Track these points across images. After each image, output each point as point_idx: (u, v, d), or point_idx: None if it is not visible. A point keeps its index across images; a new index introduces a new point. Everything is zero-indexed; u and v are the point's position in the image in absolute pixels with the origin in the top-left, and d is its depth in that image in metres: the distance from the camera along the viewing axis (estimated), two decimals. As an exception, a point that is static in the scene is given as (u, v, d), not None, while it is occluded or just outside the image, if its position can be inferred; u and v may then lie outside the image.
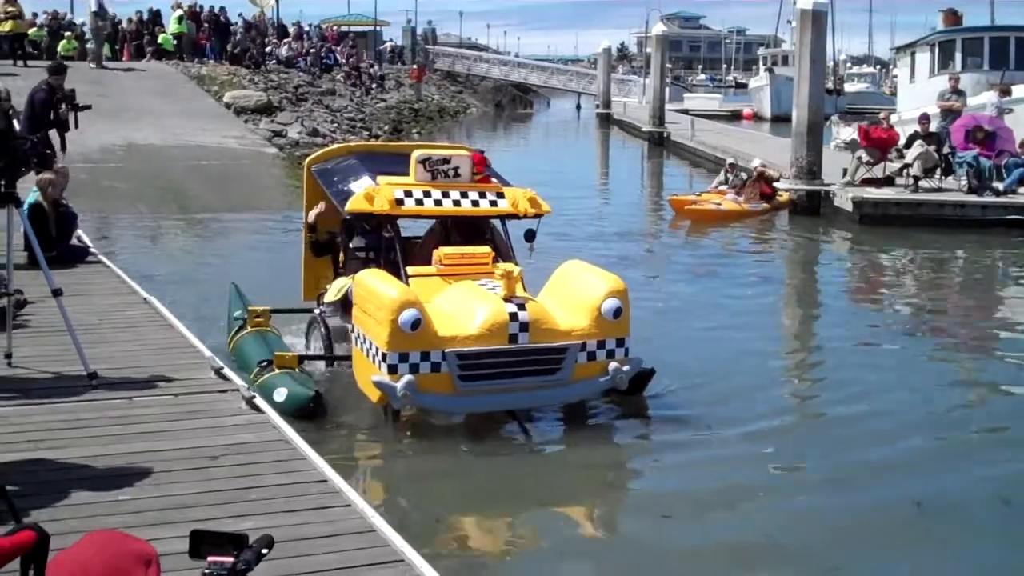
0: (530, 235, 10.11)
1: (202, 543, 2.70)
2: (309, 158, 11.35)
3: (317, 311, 10.32)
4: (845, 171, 22.99)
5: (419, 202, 9.56)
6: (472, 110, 64.01)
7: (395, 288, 8.61)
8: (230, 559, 2.66)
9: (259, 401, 7.83)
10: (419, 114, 50.25)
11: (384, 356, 8.38)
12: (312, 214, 10.45)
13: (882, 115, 24.74)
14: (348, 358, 9.60)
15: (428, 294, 8.95)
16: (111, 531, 2.78)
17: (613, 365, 8.95)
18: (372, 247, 10.04)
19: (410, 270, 9.38)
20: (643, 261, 17.65)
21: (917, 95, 28.84)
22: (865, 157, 22.76)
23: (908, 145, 22.50)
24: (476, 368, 8.57)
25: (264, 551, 2.72)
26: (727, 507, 7.63)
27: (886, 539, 7.20)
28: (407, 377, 8.30)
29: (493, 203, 9.91)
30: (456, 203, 9.74)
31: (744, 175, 23.81)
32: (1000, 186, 21.49)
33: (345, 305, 9.70)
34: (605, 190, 30.69)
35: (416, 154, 9.85)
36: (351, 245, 10.22)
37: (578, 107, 72.59)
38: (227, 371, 8.49)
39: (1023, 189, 21.61)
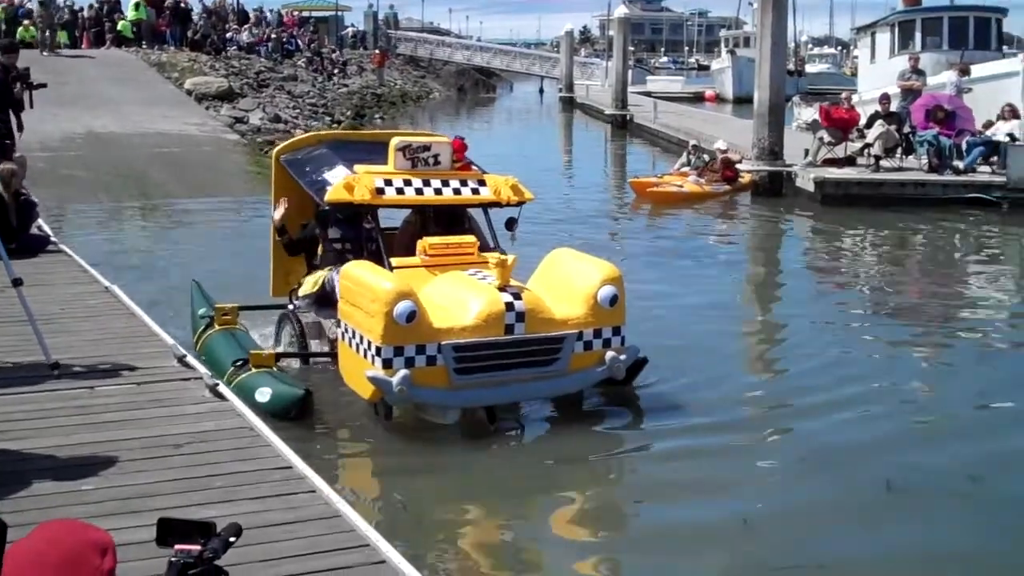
0: (511, 223, 9.91)
1: (169, 531, 2.69)
2: (277, 148, 11.00)
3: (290, 307, 10.07)
4: (807, 152, 23.12)
5: (399, 191, 9.36)
6: (435, 95, 63.89)
7: (388, 279, 8.40)
8: (197, 547, 2.65)
9: (222, 389, 7.79)
10: (382, 99, 50.11)
11: (378, 350, 8.11)
12: (277, 215, 9.99)
13: (843, 95, 24.86)
14: (328, 355, 9.46)
15: (416, 286, 8.61)
16: (66, 520, 2.76)
17: (610, 354, 8.80)
18: (348, 238, 9.75)
19: (394, 261, 9.15)
20: (605, 244, 17.65)
21: (878, 75, 28.98)
22: (827, 137, 22.88)
23: (869, 125, 22.66)
24: (472, 361, 8.34)
25: (232, 539, 2.71)
26: (702, 493, 7.67)
27: (857, 519, 7.23)
28: (403, 371, 8.06)
29: (475, 191, 9.72)
30: (437, 192, 9.56)
31: (707, 157, 23.91)
32: (960, 165, 21.70)
33: (320, 300, 9.51)
34: (569, 173, 30.70)
35: (395, 142, 9.63)
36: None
37: (541, 91, 72.56)
38: (190, 359, 8.44)
39: (983, 168, 21.82)
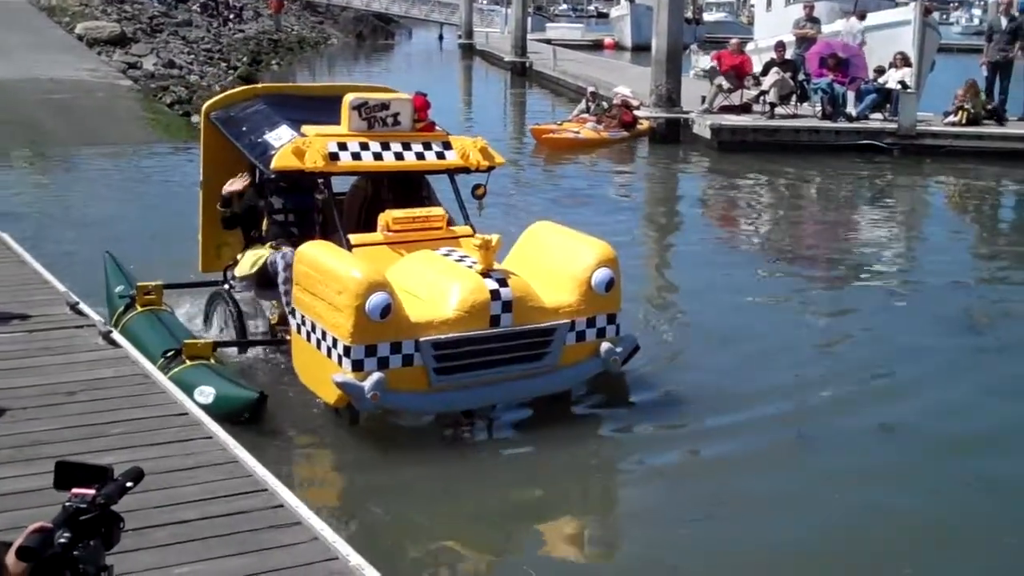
0: (479, 191, 8.76)
1: (67, 475, 2.67)
2: (207, 103, 9.57)
3: (226, 286, 8.93)
4: (704, 99, 23.33)
5: (356, 156, 8.28)
6: (333, 41, 63.05)
7: (357, 266, 7.26)
8: (91, 491, 2.63)
9: (116, 336, 7.71)
10: (279, 45, 49.35)
11: (347, 350, 7.08)
12: (227, 189, 8.63)
13: (732, 41, 25.10)
14: (272, 342, 8.63)
15: (382, 269, 7.54)
16: None
17: (605, 345, 7.93)
18: (294, 209, 8.70)
19: (353, 238, 8.07)
20: (504, 192, 17.67)
21: (773, 24, 29.16)
22: (725, 84, 23.10)
23: (764, 72, 22.93)
24: (454, 359, 7.39)
25: (129, 484, 2.68)
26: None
27: (767, 470, 7.33)
28: (376, 375, 7.07)
29: (439, 155, 8.67)
30: (398, 156, 8.48)
31: (606, 104, 23.97)
32: (853, 112, 22.09)
33: (261, 279, 8.44)
34: (469, 121, 30.60)
35: (349, 99, 8.47)
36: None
37: (440, 38, 71.93)
38: (83, 306, 8.32)
39: (875, 115, 22.22)
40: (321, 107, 8.93)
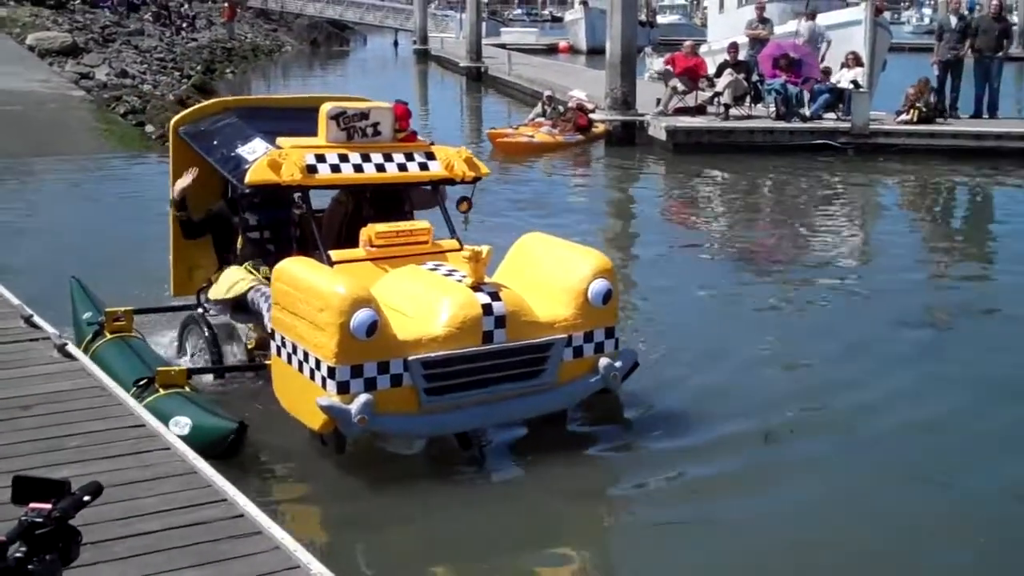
0: (465, 203, 8.40)
1: (25, 489, 2.65)
2: (175, 118, 9.25)
3: (199, 310, 8.60)
4: (659, 101, 23.43)
5: (335, 168, 7.87)
6: (287, 48, 62.96)
7: (339, 282, 6.83)
8: (48, 505, 2.62)
9: (72, 348, 7.65)
10: (232, 53, 49.20)
11: (331, 371, 6.63)
12: (178, 187, 8.35)
13: (686, 43, 25.23)
14: (249, 367, 8.20)
15: (366, 285, 7.11)
16: None
17: (604, 361, 7.52)
18: (269, 225, 8.39)
19: (334, 254, 7.68)
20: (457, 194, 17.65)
21: (726, 25, 29.36)
22: (680, 87, 23.22)
23: (718, 74, 23.07)
24: (445, 378, 6.96)
25: (87, 498, 2.67)
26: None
27: (737, 475, 7.28)
28: (363, 397, 6.63)
29: (423, 166, 8.29)
30: (379, 168, 8.08)
31: (561, 107, 24.03)
32: (807, 112, 22.24)
33: (237, 303, 8.08)
34: (425, 126, 30.57)
35: (326, 108, 8.06)
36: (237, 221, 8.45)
37: (395, 43, 71.88)
38: (37, 319, 8.24)
39: (829, 114, 22.38)
40: (295, 118, 8.58)
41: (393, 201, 8.52)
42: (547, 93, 25.36)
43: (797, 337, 10.51)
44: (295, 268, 7.14)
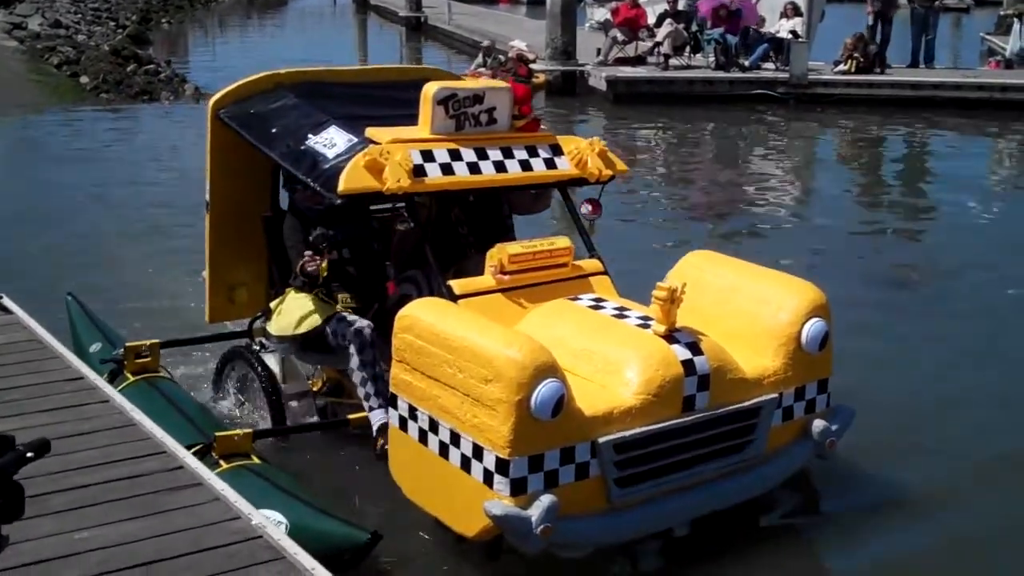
0: (593, 207, 6.76)
1: None
2: (214, 98, 7.02)
3: (255, 344, 7.00)
4: (599, 51, 23.43)
5: (446, 168, 6.14)
6: (224, -2, 62.14)
7: (514, 343, 5.00)
8: (-11, 460, 2.60)
9: (7, 301, 7.56)
10: (169, 3, 48.40)
11: (502, 465, 4.89)
12: (313, 267, 6.08)
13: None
14: (334, 425, 6.65)
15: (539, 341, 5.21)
16: None
17: (818, 423, 5.91)
18: (344, 241, 6.43)
19: (456, 286, 5.93)
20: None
21: (667, -25, 29.35)
22: (620, 37, 23.22)
23: (658, 24, 23.08)
24: (639, 463, 5.28)
25: (30, 455, 2.65)
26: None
27: None
28: (546, 499, 4.91)
29: (549, 163, 6.56)
30: (499, 166, 6.34)
31: (501, 57, 23.92)
32: (746, 62, 22.33)
33: (307, 339, 6.39)
34: (364, 77, 30.40)
35: (432, 90, 6.24)
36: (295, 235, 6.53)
37: (334, -8, 71.23)
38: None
39: (767, 64, 22.49)
40: (371, 98, 6.94)
41: (493, 205, 7.01)
42: (487, 43, 25.22)
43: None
44: (435, 318, 5.34)
